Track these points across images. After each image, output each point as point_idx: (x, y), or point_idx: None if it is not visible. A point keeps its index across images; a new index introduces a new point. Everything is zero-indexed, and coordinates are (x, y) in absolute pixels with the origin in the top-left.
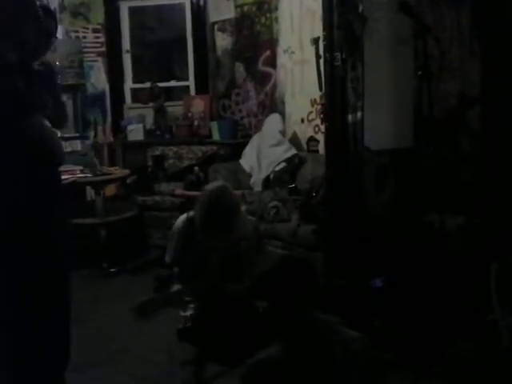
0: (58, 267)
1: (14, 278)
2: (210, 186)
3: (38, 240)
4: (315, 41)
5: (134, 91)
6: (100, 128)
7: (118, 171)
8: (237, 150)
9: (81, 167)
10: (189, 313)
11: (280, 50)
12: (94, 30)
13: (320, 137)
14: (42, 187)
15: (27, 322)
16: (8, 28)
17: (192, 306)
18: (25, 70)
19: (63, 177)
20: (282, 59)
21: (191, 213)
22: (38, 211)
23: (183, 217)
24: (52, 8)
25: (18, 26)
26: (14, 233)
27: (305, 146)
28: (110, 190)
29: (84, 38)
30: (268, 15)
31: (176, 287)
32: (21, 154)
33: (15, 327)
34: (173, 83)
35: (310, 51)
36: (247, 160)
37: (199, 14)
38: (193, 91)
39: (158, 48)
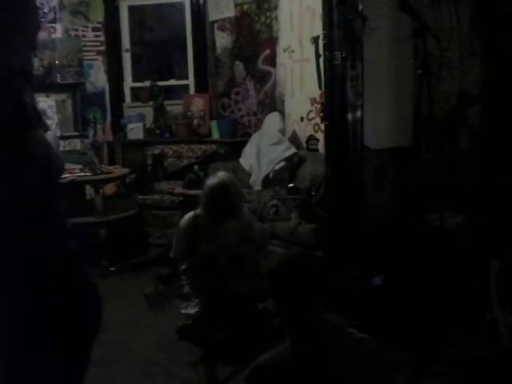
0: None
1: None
2: (213, 177)
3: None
4: (315, 39)
5: (133, 90)
6: (99, 127)
7: (117, 170)
8: (236, 149)
9: (80, 166)
10: (190, 310)
11: (280, 49)
12: (94, 29)
13: (320, 135)
14: (43, 200)
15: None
16: (16, 32)
17: (194, 302)
18: (27, 79)
19: (63, 176)
20: (281, 58)
21: (198, 210)
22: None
23: (189, 214)
24: (51, 5)
25: (26, 29)
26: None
27: (304, 145)
28: (110, 188)
29: (84, 36)
30: (268, 14)
31: (183, 281)
32: (26, 168)
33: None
34: (172, 82)
35: (309, 50)
36: (247, 159)
37: (199, 12)
38: (192, 90)
39: (158, 47)
